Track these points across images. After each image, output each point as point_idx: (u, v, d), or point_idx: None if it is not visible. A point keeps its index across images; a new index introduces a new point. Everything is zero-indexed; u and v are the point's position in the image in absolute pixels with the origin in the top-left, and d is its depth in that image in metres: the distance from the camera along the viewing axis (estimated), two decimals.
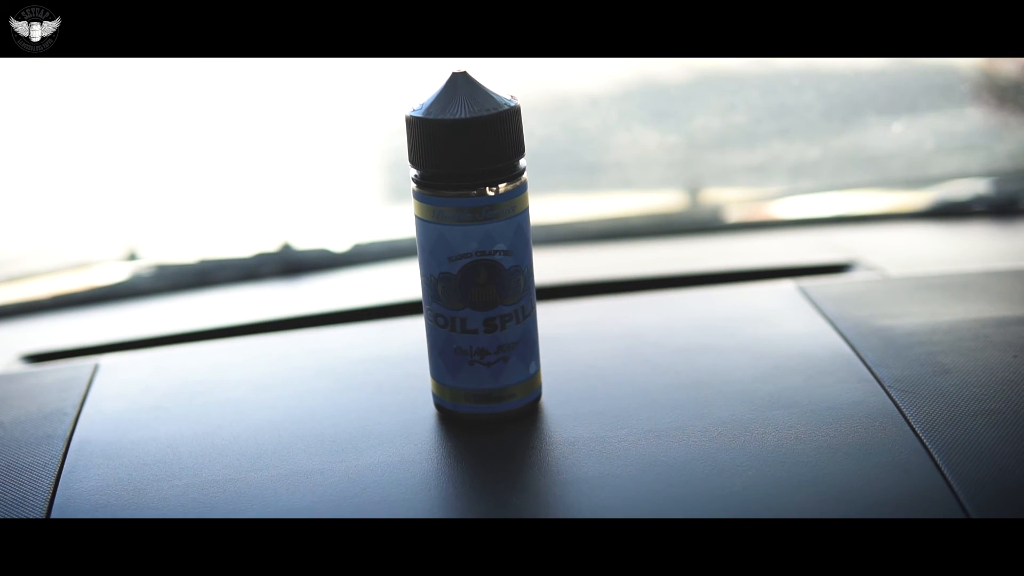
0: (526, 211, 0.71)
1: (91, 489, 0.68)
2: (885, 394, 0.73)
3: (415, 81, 1.17)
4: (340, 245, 1.15)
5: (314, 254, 1.14)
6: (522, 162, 0.70)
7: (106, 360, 0.85)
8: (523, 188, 0.70)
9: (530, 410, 0.73)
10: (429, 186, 0.69)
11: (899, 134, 1.27)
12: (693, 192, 1.23)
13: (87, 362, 0.85)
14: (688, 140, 1.25)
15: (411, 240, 1.17)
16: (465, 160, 0.68)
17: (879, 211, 1.21)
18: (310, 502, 0.66)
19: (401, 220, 1.25)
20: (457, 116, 0.67)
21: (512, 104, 0.69)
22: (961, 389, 0.73)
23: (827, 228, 1.17)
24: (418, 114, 0.69)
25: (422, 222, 0.70)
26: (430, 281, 0.71)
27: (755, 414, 0.72)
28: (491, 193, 0.69)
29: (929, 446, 0.68)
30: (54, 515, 0.66)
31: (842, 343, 0.80)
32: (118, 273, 1.11)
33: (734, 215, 1.21)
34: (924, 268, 1.00)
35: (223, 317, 0.99)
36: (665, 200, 1.24)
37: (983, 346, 0.79)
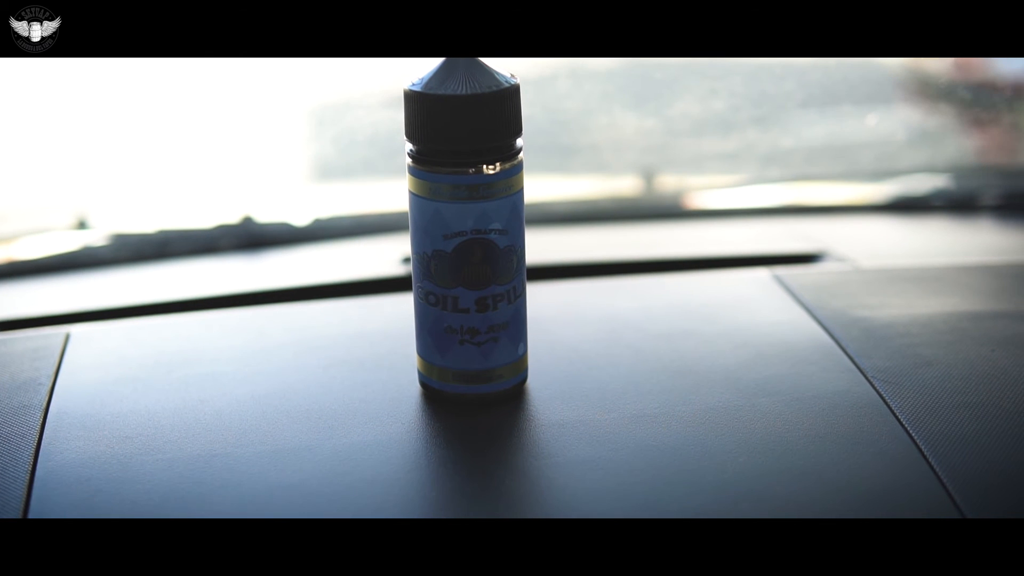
0: (521, 191, 0.70)
1: (73, 461, 0.67)
2: (869, 384, 0.73)
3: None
4: (302, 219, 1.13)
5: (276, 228, 1.12)
6: (519, 141, 0.69)
7: (77, 329, 0.83)
8: (520, 167, 0.69)
9: (517, 391, 0.73)
10: (426, 162, 0.68)
11: (872, 126, 1.28)
12: (663, 177, 1.23)
13: (57, 331, 0.83)
14: (666, 125, 1.25)
15: (375, 216, 1.16)
16: (465, 137, 0.67)
17: (841, 203, 1.22)
18: (299, 479, 0.65)
19: (365, 195, 1.24)
20: (458, 92, 0.66)
21: (512, 82, 0.68)
22: (943, 382, 0.74)
23: (793, 217, 1.18)
24: (417, 88, 0.67)
25: (417, 198, 0.69)
26: (422, 258, 0.70)
27: (742, 401, 0.72)
28: (489, 171, 0.68)
29: (915, 437, 0.68)
30: (36, 487, 0.64)
31: (822, 332, 0.80)
32: (76, 242, 1.09)
33: (704, 201, 1.21)
34: (887, 261, 1.01)
35: (190, 289, 0.97)
36: (636, 184, 1.24)
37: (960, 339, 0.79)
